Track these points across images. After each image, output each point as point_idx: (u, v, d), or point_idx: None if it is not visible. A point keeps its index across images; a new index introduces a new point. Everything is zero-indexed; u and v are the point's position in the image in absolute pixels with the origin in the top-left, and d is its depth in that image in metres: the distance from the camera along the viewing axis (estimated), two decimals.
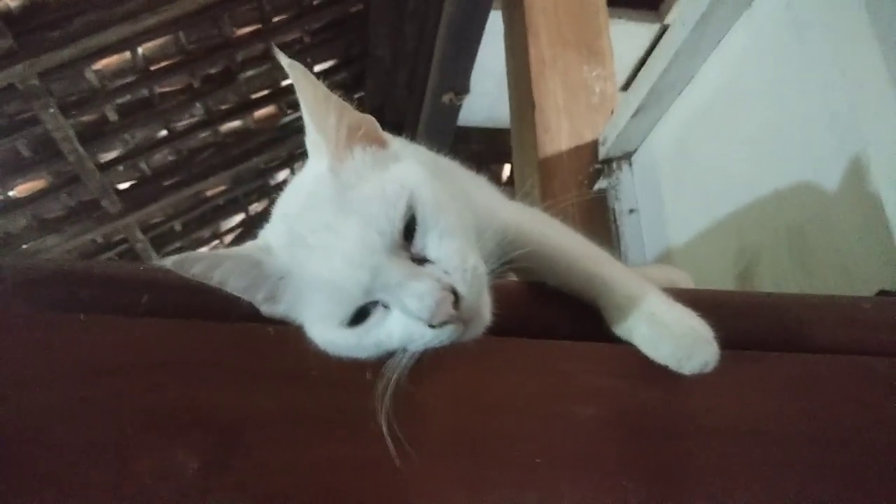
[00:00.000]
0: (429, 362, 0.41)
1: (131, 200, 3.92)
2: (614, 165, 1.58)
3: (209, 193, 4.44)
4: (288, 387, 0.41)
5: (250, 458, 0.38)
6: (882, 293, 0.83)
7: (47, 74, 3.13)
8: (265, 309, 0.43)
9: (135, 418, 0.39)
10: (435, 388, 0.42)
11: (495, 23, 2.76)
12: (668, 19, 3.17)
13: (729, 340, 0.47)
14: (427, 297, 0.39)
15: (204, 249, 5.06)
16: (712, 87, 1.30)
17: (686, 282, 0.82)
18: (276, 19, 3.65)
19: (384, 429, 0.39)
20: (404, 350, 0.41)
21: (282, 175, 4.87)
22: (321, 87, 0.44)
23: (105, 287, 0.45)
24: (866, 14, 0.88)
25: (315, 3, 3.65)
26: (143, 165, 3.92)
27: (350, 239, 0.40)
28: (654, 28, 3.26)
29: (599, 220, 1.61)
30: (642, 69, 1.42)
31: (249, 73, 3.86)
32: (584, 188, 1.62)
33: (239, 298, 0.42)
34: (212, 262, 0.42)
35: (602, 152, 1.59)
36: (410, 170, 0.43)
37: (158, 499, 0.36)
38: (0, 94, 3.15)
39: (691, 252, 1.38)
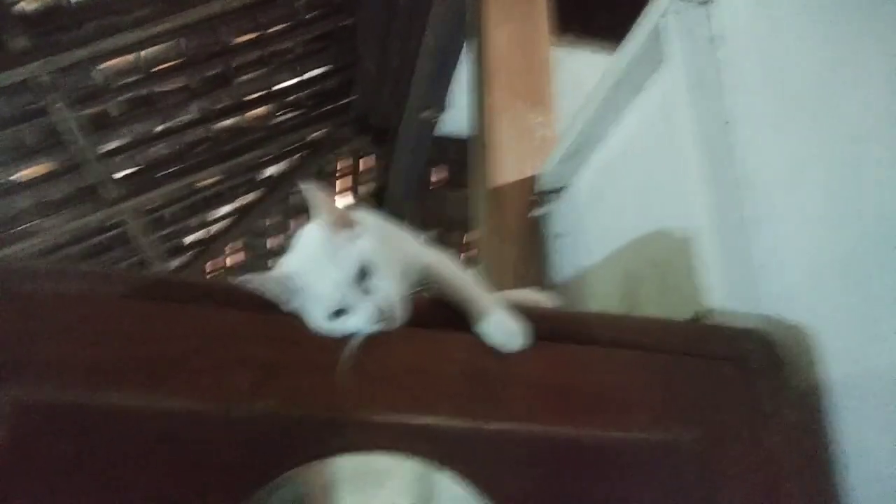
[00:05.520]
0: (371, 339, 0.87)
1: (127, 188, 4.29)
2: (547, 197, 2.04)
3: (200, 185, 4.80)
4: (306, 345, 0.86)
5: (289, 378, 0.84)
6: (694, 317, 1.30)
7: (58, 72, 3.49)
8: (286, 307, 0.88)
9: None
10: (371, 351, 0.87)
11: None
12: None
13: (538, 334, 0.94)
14: (368, 311, 0.84)
15: (191, 237, 5.42)
16: (616, 148, 1.77)
17: (545, 300, 1.28)
18: (271, 30, 4.03)
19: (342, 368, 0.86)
20: (358, 333, 0.86)
21: (270, 170, 5.26)
22: (327, 198, 0.88)
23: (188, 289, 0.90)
24: (692, 139, 1.34)
25: (307, 16, 4.05)
26: (139, 157, 4.28)
27: (333, 276, 0.85)
28: None
29: (536, 241, 2.08)
30: (564, 129, 1.88)
31: (245, 77, 4.23)
32: (525, 214, 2.08)
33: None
34: (263, 281, 0.86)
35: (538, 186, 2.06)
36: (365, 243, 0.88)
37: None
38: (12, 88, 3.51)
39: (596, 273, 1.85)
